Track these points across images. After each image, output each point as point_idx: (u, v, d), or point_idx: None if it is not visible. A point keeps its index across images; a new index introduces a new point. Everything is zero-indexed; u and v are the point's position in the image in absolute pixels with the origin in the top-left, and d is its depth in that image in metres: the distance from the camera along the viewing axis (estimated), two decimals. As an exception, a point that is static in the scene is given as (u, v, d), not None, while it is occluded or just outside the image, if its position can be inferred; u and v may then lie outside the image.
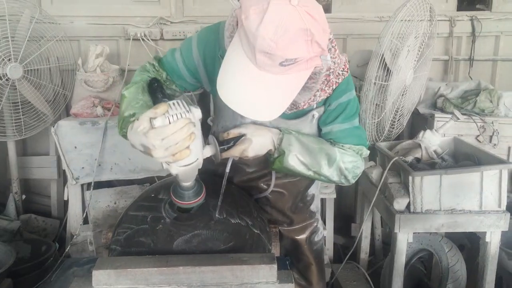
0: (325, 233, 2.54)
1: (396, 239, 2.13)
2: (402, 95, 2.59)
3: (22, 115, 2.76)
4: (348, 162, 1.49)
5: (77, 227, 2.66)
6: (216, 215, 1.35)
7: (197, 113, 1.12)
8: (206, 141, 1.38)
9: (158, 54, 3.13)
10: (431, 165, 2.26)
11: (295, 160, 1.44)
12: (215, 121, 1.65)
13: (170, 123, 1.05)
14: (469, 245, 2.74)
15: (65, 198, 2.73)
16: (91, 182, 2.66)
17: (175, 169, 1.14)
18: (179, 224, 1.32)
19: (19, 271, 2.29)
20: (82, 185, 2.72)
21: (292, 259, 1.77)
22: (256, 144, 1.41)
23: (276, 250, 1.54)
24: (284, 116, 1.44)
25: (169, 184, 1.40)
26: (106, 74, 2.86)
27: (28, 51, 2.72)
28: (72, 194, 2.71)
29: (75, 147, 2.62)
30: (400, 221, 2.10)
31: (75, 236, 2.57)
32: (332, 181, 1.52)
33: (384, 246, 2.99)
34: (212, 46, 1.45)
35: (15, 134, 2.77)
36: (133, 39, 3.10)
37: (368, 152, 1.60)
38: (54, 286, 1.48)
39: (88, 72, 2.85)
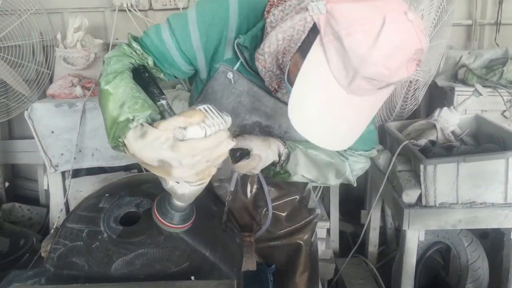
0: (328, 224, 2.27)
1: (405, 238, 1.85)
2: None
3: (0, 96, 2.55)
4: (358, 169, 1.38)
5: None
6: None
7: (229, 122, 0.89)
8: None
9: (148, 26, 2.84)
10: (447, 149, 1.95)
11: (300, 178, 1.30)
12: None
13: (205, 135, 0.84)
14: (493, 234, 2.44)
15: (45, 188, 2.52)
16: (75, 170, 2.45)
17: (185, 189, 0.92)
18: (120, 242, 1.06)
19: (-10, 270, 2.10)
20: (63, 173, 2.49)
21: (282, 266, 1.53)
22: (265, 161, 1.22)
23: (251, 263, 1.28)
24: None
25: (114, 189, 1.14)
26: (87, 50, 2.59)
27: (1, 26, 2.48)
28: (53, 182, 2.49)
29: (52, 132, 2.38)
30: (409, 216, 1.81)
31: (52, 230, 2.36)
32: None
33: (397, 234, 2.70)
34: (218, 27, 1.15)
35: (-10, 117, 2.56)
36: (119, 10, 2.81)
37: (376, 152, 1.44)
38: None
39: (68, 48, 2.59)
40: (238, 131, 1.27)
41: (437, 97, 2.66)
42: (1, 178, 2.76)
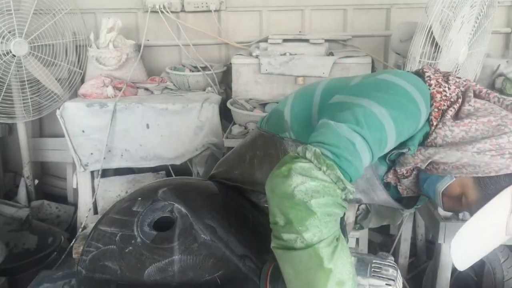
0: (358, 234, 2.22)
1: (440, 251, 1.78)
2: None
3: (33, 94, 2.57)
4: None
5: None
6: None
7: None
8: None
9: (179, 28, 2.83)
10: (486, 160, 1.88)
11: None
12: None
13: None
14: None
15: (74, 186, 2.54)
16: (104, 170, 2.45)
17: None
18: (153, 247, 1.04)
19: (18, 267, 2.11)
20: (92, 172, 2.50)
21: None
22: None
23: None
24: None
25: (147, 193, 1.12)
26: (119, 51, 2.60)
27: (36, 25, 2.50)
28: (82, 182, 2.50)
29: (83, 131, 2.39)
30: (445, 229, 1.74)
31: (80, 229, 2.37)
32: None
33: (428, 246, 2.63)
34: (413, 127, 1.04)
35: (24, 115, 2.58)
36: (151, 11, 2.82)
37: None
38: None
39: (100, 49, 2.60)
40: None
41: (473, 106, 2.57)
42: (31, 175, 2.78)
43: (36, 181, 2.84)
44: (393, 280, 0.94)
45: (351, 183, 0.94)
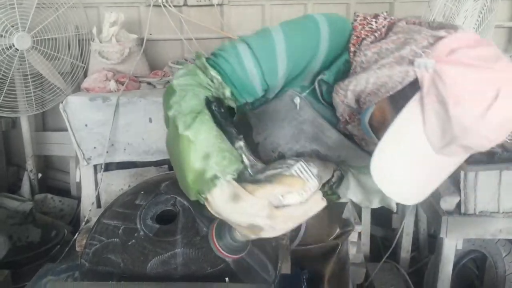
0: (360, 228, 2.22)
1: (442, 245, 1.79)
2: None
3: (36, 88, 2.58)
4: None
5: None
6: None
7: (318, 177, 0.91)
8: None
9: (182, 22, 2.83)
10: (488, 155, 1.87)
11: (345, 200, 1.29)
12: (258, 131, 1.28)
13: (302, 201, 0.85)
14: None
15: (77, 180, 2.54)
16: (106, 163, 2.46)
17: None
18: (156, 240, 1.05)
19: (21, 260, 2.13)
20: (95, 166, 2.51)
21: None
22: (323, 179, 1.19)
23: (285, 267, 1.25)
24: None
25: (150, 186, 1.13)
26: (121, 45, 2.60)
27: (38, 19, 2.50)
28: (85, 175, 2.51)
29: (86, 125, 2.39)
30: (447, 224, 1.75)
31: (83, 223, 2.38)
32: None
33: (430, 240, 2.63)
34: (307, 59, 1.06)
35: (27, 109, 2.59)
36: (154, 6, 2.81)
37: None
38: (23, 299, 1.27)
39: (103, 43, 2.60)
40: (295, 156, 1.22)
41: (476, 101, 2.57)
42: (34, 169, 2.79)
43: (40, 175, 2.85)
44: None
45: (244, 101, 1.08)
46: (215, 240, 0.97)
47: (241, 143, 0.95)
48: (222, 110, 1.00)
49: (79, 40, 2.72)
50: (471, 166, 1.72)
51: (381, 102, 0.96)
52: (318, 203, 0.86)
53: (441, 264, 1.82)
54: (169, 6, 2.80)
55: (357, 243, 2.23)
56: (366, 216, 2.51)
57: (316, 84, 1.09)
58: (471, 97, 0.81)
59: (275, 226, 0.84)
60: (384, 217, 2.84)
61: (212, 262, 1.04)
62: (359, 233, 2.29)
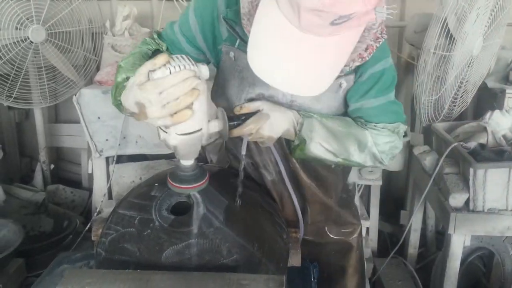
0: (368, 223, 2.24)
1: (450, 242, 1.81)
2: (468, 66, 2.19)
3: (49, 80, 2.62)
4: (383, 144, 1.27)
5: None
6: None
7: (204, 70, 0.95)
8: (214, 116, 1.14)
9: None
10: (498, 153, 1.88)
11: (319, 148, 1.21)
12: (219, 96, 1.35)
13: (170, 73, 0.91)
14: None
15: (89, 172, 2.58)
16: (118, 156, 2.49)
17: (173, 139, 0.98)
18: (171, 231, 1.07)
19: (35, 249, 2.17)
20: (107, 158, 2.54)
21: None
22: (274, 121, 1.17)
23: (296, 259, 1.27)
24: None
25: (164, 178, 1.15)
26: (134, 38, 2.62)
27: (53, 12, 2.53)
28: (97, 167, 2.54)
29: (99, 118, 2.42)
30: (456, 220, 1.77)
31: (95, 213, 2.41)
32: (365, 166, 1.34)
33: (438, 237, 2.64)
34: (209, 8, 1.21)
35: (41, 101, 2.63)
36: (166, 0, 2.83)
37: (406, 127, 1.33)
38: (40, 286, 1.29)
39: (116, 36, 2.63)
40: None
41: (486, 99, 2.57)
42: (47, 160, 2.83)
43: (52, 166, 2.89)
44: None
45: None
46: (170, 181, 1.09)
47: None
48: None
49: (92, 33, 2.75)
50: (481, 163, 1.73)
51: None
52: (190, 78, 0.90)
53: (449, 260, 1.84)
54: (181, 0, 2.82)
55: (365, 238, 2.25)
56: (374, 212, 2.53)
57: (226, 25, 1.17)
58: None
59: (150, 98, 0.89)
60: (392, 213, 2.87)
61: (225, 253, 1.06)
62: (367, 229, 2.31)
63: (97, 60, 2.76)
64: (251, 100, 1.25)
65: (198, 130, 0.99)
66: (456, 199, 1.79)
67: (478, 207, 1.77)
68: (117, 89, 1.13)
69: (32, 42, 2.46)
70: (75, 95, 2.41)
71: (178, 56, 0.94)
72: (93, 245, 1.30)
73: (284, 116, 1.20)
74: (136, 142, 2.48)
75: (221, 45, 1.24)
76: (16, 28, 2.40)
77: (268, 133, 1.17)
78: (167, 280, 0.97)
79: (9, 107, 2.82)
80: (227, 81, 1.28)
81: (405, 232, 2.25)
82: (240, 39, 1.17)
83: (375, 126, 1.27)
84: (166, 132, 0.98)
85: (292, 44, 0.92)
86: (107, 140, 2.46)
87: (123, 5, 2.61)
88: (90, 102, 2.41)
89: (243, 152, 1.17)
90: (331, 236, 1.46)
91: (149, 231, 1.08)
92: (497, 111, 2.07)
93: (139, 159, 2.66)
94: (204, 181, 1.10)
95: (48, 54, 2.54)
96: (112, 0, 2.92)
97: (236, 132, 1.14)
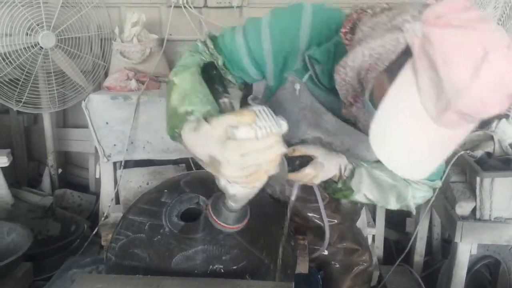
0: (374, 231, 2.24)
1: (457, 250, 1.81)
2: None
3: (58, 86, 2.64)
4: (420, 198, 1.33)
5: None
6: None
7: (284, 127, 0.88)
8: None
9: (202, 23, 2.89)
10: (505, 162, 1.89)
11: (362, 197, 1.25)
12: None
13: (256, 137, 0.81)
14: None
15: (97, 176, 2.60)
16: (125, 160, 2.51)
17: (236, 190, 0.90)
18: (181, 237, 1.09)
19: (43, 253, 2.18)
20: (114, 163, 2.56)
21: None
22: (327, 172, 1.18)
23: (303, 266, 1.28)
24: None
25: (174, 185, 1.17)
26: (143, 45, 2.65)
27: (63, 18, 2.56)
28: (105, 172, 2.56)
29: (107, 123, 2.45)
30: (462, 229, 1.77)
31: (102, 218, 2.43)
32: None
33: (444, 245, 2.64)
34: (291, 36, 1.14)
35: (49, 106, 2.65)
36: (174, 6, 2.86)
37: (441, 183, 1.37)
38: (50, 290, 1.31)
39: (125, 42, 2.66)
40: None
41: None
42: (55, 164, 2.85)
43: (60, 170, 2.91)
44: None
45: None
46: (214, 218, 0.99)
47: (225, 100, 1.00)
48: (215, 72, 1.12)
49: (101, 40, 2.77)
50: (488, 172, 1.74)
51: (380, 77, 0.94)
52: (275, 146, 0.82)
53: (455, 269, 1.84)
54: (190, 7, 2.85)
55: (371, 246, 2.26)
56: (380, 220, 2.53)
57: (306, 58, 1.12)
58: (459, 57, 0.79)
59: (229, 159, 0.81)
60: (398, 221, 2.86)
61: (234, 260, 1.08)
62: (373, 236, 2.31)
63: (105, 66, 2.78)
64: (304, 141, 1.25)
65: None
66: (463, 208, 1.79)
67: (485, 215, 1.77)
68: (177, 119, 0.97)
69: (42, 48, 2.48)
70: (84, 100, 2.44)
71: (261, 109, 0.86)
72: (100, 250, 1.32)
73: (335, 162, 1.20)
74: (144, 147, 2.50)
75: (287, 73, 1.19)
76: (27, 34, 2.43)
77: (319, 181, 1.19)
78: (177, 286, 0.98)
79: (18, 112, 2.84)
80: (283, 112, 1.17)
81: (411, 240, 2.25)
82: (316, 77, 1.14)
83: (417, 181, 1.29)
84: (230, 183, 0.89)
85: (424, 133, 0.89)
86: (115, 145, 2.48)
87: (132, 12, 2.63)
88: (99, 107, 2.43)
89: (293, 198, 1.20)
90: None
91: (159, 237, 1.10)
92: (503, 120, 2.08)
93: (146, 164, 2.68)
94: (246, 220, 1.03)
95: (58, 59, 2.56)
96: (121, 7, 2.95)
97: (292, 176, 1.15)
